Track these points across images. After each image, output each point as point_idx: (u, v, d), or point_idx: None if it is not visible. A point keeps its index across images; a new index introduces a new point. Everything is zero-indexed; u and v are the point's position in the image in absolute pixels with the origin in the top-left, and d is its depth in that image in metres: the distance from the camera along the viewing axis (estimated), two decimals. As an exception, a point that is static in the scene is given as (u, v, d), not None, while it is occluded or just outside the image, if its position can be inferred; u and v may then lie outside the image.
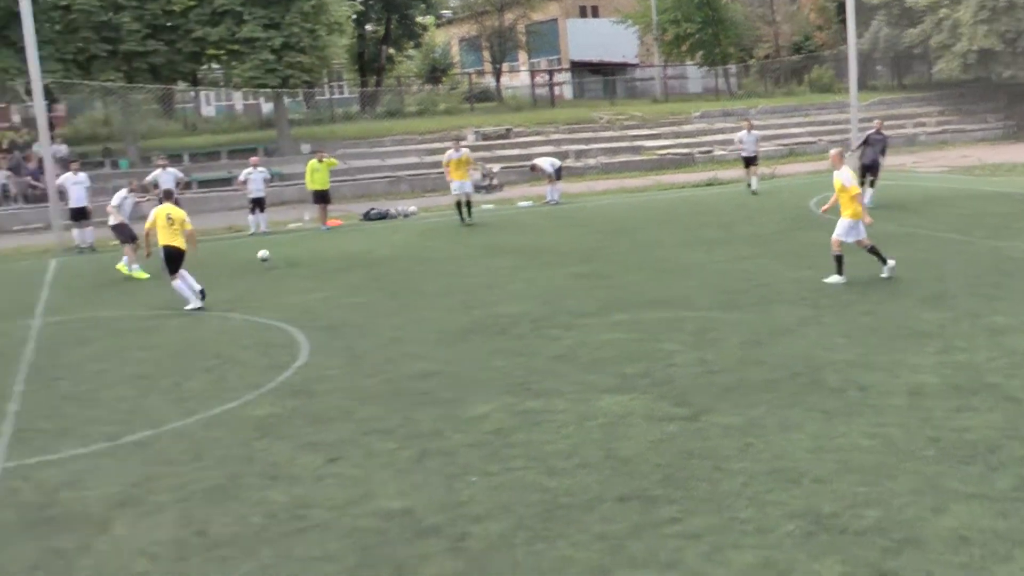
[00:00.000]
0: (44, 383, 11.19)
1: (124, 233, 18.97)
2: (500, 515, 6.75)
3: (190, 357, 11.97)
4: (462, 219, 23.43)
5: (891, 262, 13.83)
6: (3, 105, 43.54)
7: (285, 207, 29.30)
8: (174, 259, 14.97)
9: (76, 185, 23.54)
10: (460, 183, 23.63)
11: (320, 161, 25.10)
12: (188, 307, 14.87)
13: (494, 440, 8.29)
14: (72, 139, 37.66)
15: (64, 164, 27.41)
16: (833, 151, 14.59)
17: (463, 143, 23.85)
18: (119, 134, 38.31)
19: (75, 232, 23.84)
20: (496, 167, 33.96)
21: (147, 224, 15.32)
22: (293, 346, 12.18)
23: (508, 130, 40.01)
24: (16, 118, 45.72)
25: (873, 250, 13.83)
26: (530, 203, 28.21)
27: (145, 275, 17.90)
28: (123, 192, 19.74)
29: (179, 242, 15.00)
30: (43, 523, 7.17)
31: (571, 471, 7.43)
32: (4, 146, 34.46)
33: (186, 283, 15.03)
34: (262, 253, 18.98)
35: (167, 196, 15.84)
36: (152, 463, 8.24)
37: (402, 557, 6.23)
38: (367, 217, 26.86)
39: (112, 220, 19.28)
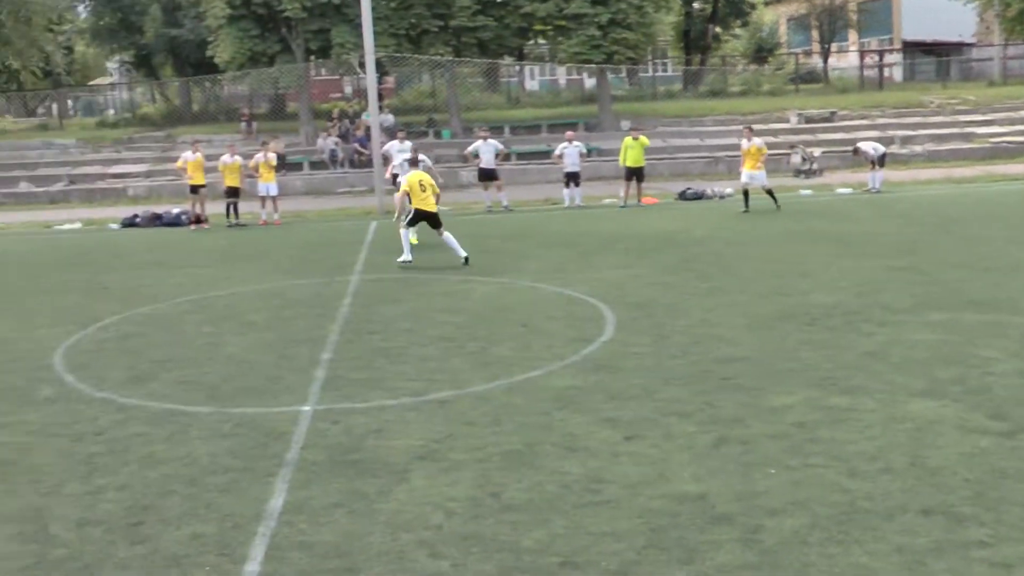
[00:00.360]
0: (357, 336, 11.84)
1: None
2: (796, 512, 6.41)
3: (497, 323, 12.28)
4: (746, 207, 22.61)
5: None
6: (336, 77, 46.80)
7: (601, 182, 29.57)
8: (424, 218, 16.70)
9: (400, 153, 24.91)
10: (749, 173, 22.85)
11: (635, 139, 25.10)
12: (400, 259, 16.64)
13: (796, 433, 7.90)
14: (398, 109, 39.92)
15: (390, 133, 29.11)
16: None
17: (754, 136, 23.00)
18: (444, 106, 40.17)
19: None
20: (817, 151, 32.59)
21: (401, 189, 16.96)
22: (600, 321, 12.21)
23: (832, 113, 38.30)
24: (348, 89, 49.08)
25: None
26: (850, 190, 26.86)
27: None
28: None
29: (430, 205, 16.66)
30: (348, 465, 7.56)
31: (873, 475, 6.93)
32: (335, 115, 37.05)
33: (450, 242, 16.62)
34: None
35: (413, 164, 17.72)
36: (453, 422, 8.51)
37: (692, 543, 6.06)
38: (683, 197, 26.60)
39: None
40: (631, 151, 24.83)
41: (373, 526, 6.46)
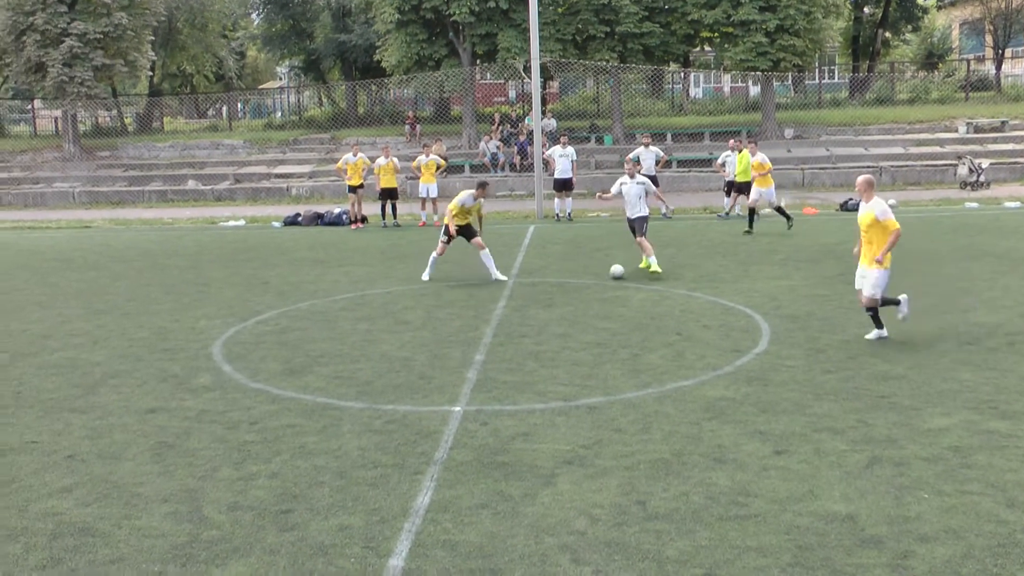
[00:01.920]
0: (510, 338, 11.80)
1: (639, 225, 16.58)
2: (948, 540, 6.01)
3: (650, 331, 12.04)
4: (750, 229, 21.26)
5: None
6: (500, 81, 47.19)
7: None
8: (461, 234, 15.97)
9: (562, 158, 24.89)
10: (759, 190, 21.47)
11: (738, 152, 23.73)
12: (424, 276, 16.10)
13: (951, 457, 7.42)
14: (561, 114, 39.95)
15: (553, 137, 29.10)
16: None
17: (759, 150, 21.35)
18: (607, 111, 39.99)
19: (556, 201, 25.23)
20: (985, 162, 30.95)
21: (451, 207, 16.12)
22: (754, 332, 11.84)
23: (1003, 123, 36.33)
24: (511, 93, 49.42)
25: None
26: (1018, 204, 25.39)
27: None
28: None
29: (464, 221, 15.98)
30: (495, 467, 7.49)
31: (1036, 507, 6.46)
32: (497, 119, 37.34)
33: (486, 260, 16.00)
34: (615, 270, 16.06)
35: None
36: (602, 428, 8.34)
37: (839, 564, 5.75)
38: (844, 208, 25.70)
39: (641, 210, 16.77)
40: (740, 164, 23.75)
41: (517, 528, 6.37)
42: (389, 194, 24.97)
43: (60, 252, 21.42)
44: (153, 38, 40.56)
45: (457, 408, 9.03)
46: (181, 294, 15.73)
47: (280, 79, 66.28)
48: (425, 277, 16.05)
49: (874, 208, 10.93)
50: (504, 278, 15.84)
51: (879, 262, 10.91)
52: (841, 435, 7.97)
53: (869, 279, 11.01)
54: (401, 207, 25.72)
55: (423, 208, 25.19)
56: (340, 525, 6.53)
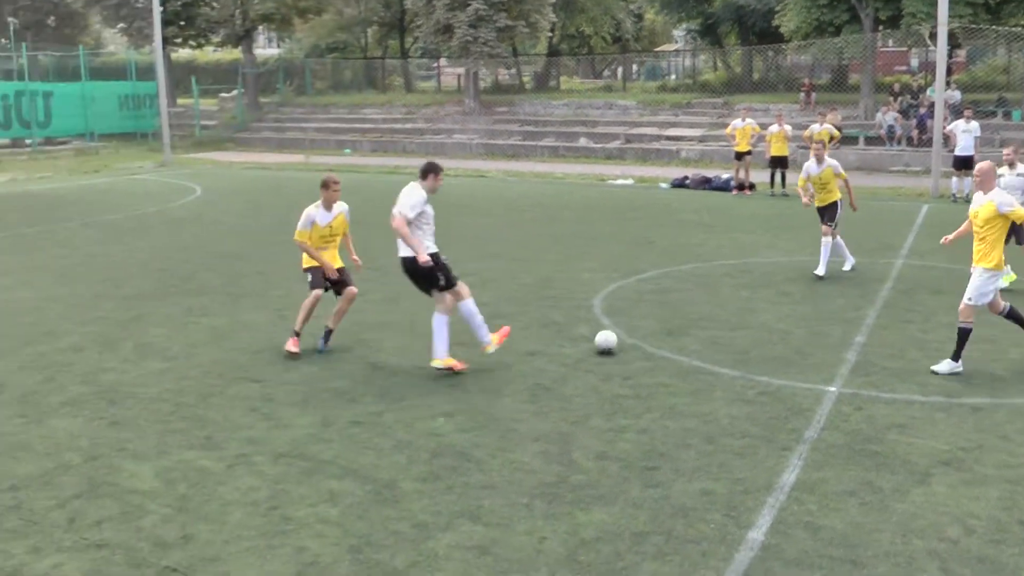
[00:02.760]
0: (893, 322, 11.18)
1: None
2: None
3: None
4: None
5: None
6: (903, 49, 44.26)
7: None
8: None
9: (965, 133, 22.99)
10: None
11: None
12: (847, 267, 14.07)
13: None
14: (966, 86, 36.82)
15: (955, 111, 26.99)
16: None
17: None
18: (1018, 84, 36.43)
19: (954, 180, 23.41)
20: None
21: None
22: None
23: None
24: (914, 62, 46.20)
25: None
26: None
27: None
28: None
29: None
30: (866, 455, 7.17)
31: None
32: (896, 89, 35.11)
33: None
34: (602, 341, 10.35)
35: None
36: (985, 432, 7.70)
37: None
38: None
39: None
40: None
41: (884, 524, 6.08)
42: (779, 162, 24.38)
43: (459, 198, 22.94)
44: (554, 1, 42.04)
45: (832, 388, 8.73)
46: (568, 246, 16.35)
47: (676, 42, 66.46)
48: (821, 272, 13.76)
49: (995, 198, 9.16)
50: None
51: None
52: None
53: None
54: (790, 176, 25.04)
55: (811, 179, 24.37)
56: (703, 490, 6.56)
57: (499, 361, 9.59)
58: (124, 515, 6.35)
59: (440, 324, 9.19)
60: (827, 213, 13.86)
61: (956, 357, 9.21)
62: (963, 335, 9.17)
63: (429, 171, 9.27)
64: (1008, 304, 9.55)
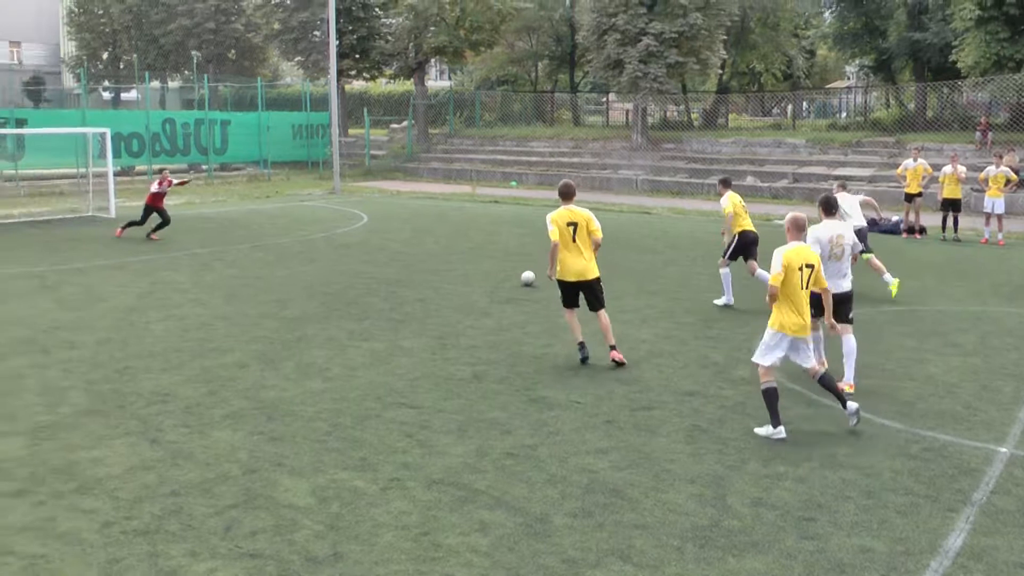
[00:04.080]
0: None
1: None
2: None
3: None
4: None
5: None
6: None
7: None
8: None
9: None
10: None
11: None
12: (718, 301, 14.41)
13: None
14: None
15: None
16: None
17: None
18: None
19: None
20: None
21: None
22: None
23: None
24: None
25: None
26: None
27: None
28: None
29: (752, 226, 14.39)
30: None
31: None
32: None
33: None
34: (526, 276, 16.15)
35: (725, 184, 14.59)
36: None
37: None
38: None
39: None
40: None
41: (1062, 595, 5.75)
42: (951, 205, 23.43)
43: (622, 234, 22.94)
44: (725, 37, 41.71)
45: (1004, 449, 8.31)
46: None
47: (848, 78, 64.96)
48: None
49: None
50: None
51: None
52: None
53: None
54: (963, 220, 24.05)
55: (987, 224, 23.30)
56: (862, 546, 6.37)
57: (656, 400, 9.55)
58: (278, 528, 6.61)
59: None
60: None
61: None
62: None
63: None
64: None
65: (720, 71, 46.24)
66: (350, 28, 45.94)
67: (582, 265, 10.76)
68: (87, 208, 27.55)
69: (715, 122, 49.54)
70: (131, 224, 22.01)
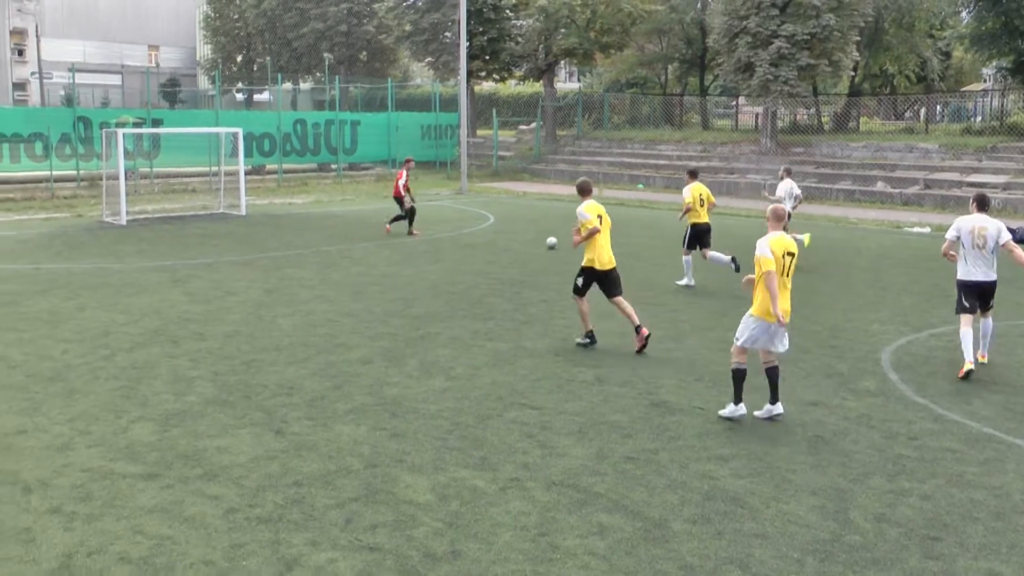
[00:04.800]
0: None
1: None
2: None
3: None
4: None
5: None
6: None
7: None
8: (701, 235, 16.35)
9: None
10: None
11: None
12: (680, 281, 16.38)
13: None
14: None
15: None
16: None
17: None
18: None
19: None
20: None
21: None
22: None
23: None
24: None
25: None
26: None
27: None
28: None
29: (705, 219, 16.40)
30: None
31: None
32: None
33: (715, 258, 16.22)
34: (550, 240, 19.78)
35: (692, 175, 16.87)
36: None
37: None
38: None
39: None
40: None
41: None
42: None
43: (748, 240, 22.67)
44: (859, 38, 40.73)
45: None
46: (857, 295, 15.82)
47: (984, 81, 62.64)
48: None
49: None
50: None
51: None
52: None
53: None
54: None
55: None
56: (990, 570, 6.22)
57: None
58: (397, 523, 6.81)
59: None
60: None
61: None
62: None
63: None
64: None
65: (852, 73, 45.19)
66: (480, 30, 46.45)
67: (610, 254, 11.83)
68: (218, 205, 28.57)
69: (846, 126, 48.39)
70: (397, 219, 22.95)
